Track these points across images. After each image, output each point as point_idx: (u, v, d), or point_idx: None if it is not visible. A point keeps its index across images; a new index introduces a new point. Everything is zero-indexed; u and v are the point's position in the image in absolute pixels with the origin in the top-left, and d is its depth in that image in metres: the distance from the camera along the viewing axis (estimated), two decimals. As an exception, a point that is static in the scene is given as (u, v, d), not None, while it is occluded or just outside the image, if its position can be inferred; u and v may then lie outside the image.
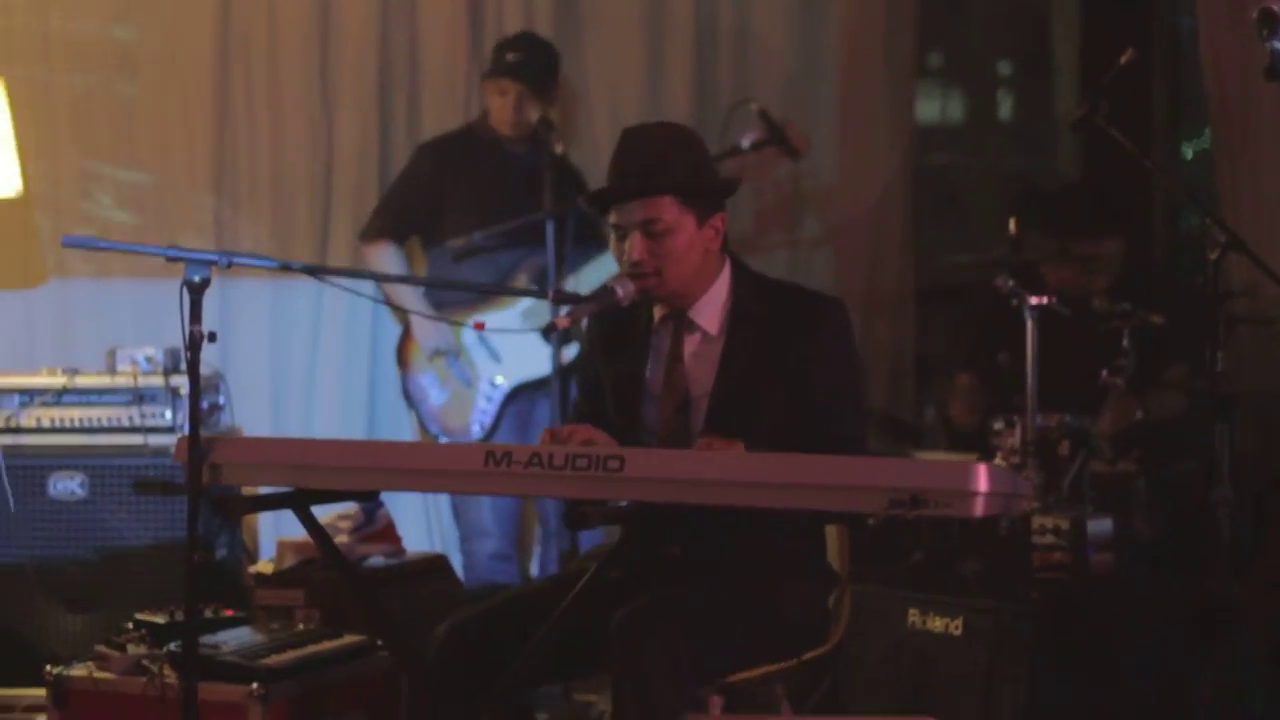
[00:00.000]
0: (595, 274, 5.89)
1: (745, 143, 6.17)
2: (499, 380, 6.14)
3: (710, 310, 3.83)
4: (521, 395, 6.16)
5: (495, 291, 6.15)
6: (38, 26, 6.34)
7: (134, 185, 6.42)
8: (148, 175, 6.44)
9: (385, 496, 4.84)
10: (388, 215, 6.31)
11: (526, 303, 6.11)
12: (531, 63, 6.17)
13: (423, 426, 6.25)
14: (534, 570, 6.33)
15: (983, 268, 5.38)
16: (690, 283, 3.80)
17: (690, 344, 3.84)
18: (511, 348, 6.12)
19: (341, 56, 6.56)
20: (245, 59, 6.51)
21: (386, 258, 6.24)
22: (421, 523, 6.31)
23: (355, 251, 6.37)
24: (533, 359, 6.04)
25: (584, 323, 3.95)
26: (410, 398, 6.27)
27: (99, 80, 6.40)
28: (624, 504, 3.30)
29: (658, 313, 3.88)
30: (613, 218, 3.79)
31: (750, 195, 6.63)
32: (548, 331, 4.42)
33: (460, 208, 6.14)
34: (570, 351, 5.89)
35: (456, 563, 5.88)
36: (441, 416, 6.19)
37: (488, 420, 6.14)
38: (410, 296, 6.18)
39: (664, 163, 3.74)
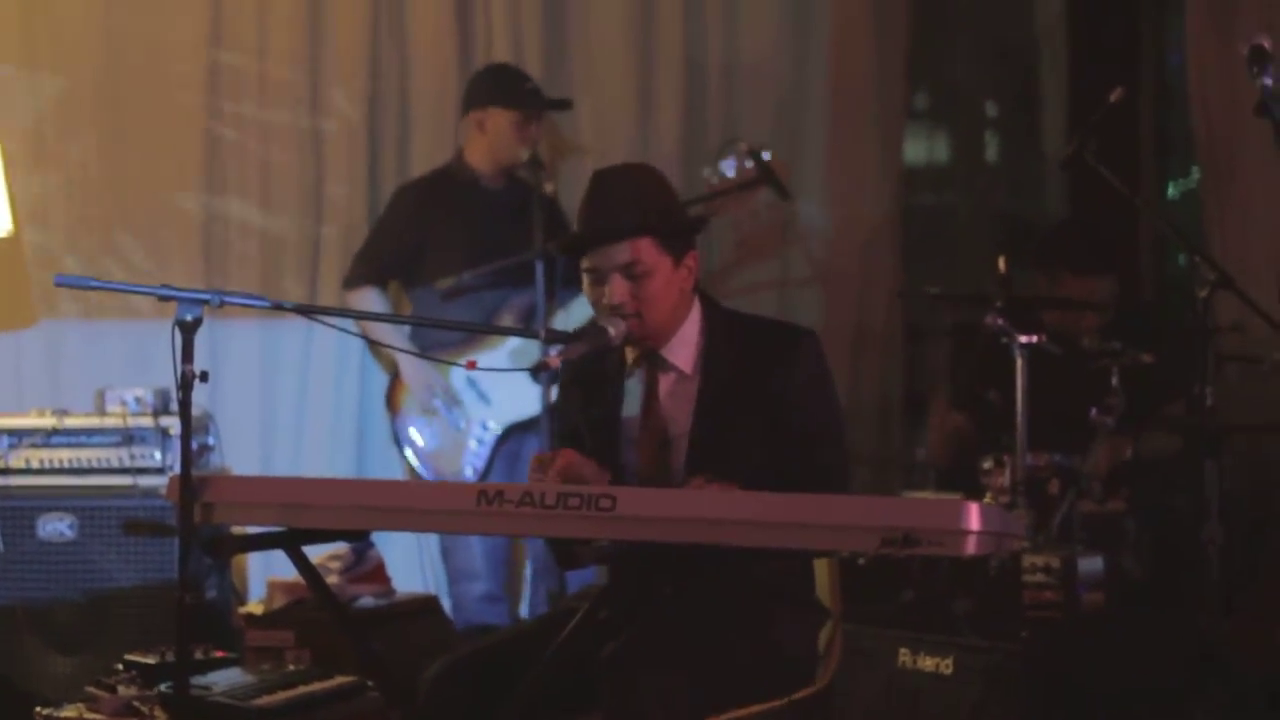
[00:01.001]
0: (583, 309, 5.86)
1: (728, 171, 6.10)
2: (490, 424, 6.11)
3: (683, 349, 3.81)
4: (512, 436, 6.14)
5: (486, 331, 6.11)
6: (27, 73, 6.32)
7: (122, 231, 6.40)
8: (136, 223, 6.41)
9: (376, 537, 4.83)
10: (369, 261, 6.24)
11: (514, 342, 6.07)
12: (541, 90, 6.19)
13: (414, 472, 6.19)
14: (524, 612, 6.30)
15: (973, 304, 5.37)
16: (666, 323, 3.79)
17: (665, 383, 3.82)
18: (500, 388, 6.09)
19: (330, 95, 6.55)
20: (235, 97, 6.49)
21: (370, 304, 6.19)
22: (413, 564, 6.28)
23: (340, 300, 6.31)
24: (521, 399, 6.01)
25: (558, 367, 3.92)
26: (401, 443, 6.23)
27: (88, 124, 6.37)
28: (605, 543, 3.28)
29: (630, 354, 3.86)
30: (586, 262, 3.76)
31: (732, 229, 6.60)
32: (538, 370, 4.36)
33: (442, 249, 6.08)
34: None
35: (445, 604, 5.86)
36: (433, 461, 6.15)
37: (480, 464, 6.09)
38: (399, 341, 6.14)
39: (640, 205, 3.73)
